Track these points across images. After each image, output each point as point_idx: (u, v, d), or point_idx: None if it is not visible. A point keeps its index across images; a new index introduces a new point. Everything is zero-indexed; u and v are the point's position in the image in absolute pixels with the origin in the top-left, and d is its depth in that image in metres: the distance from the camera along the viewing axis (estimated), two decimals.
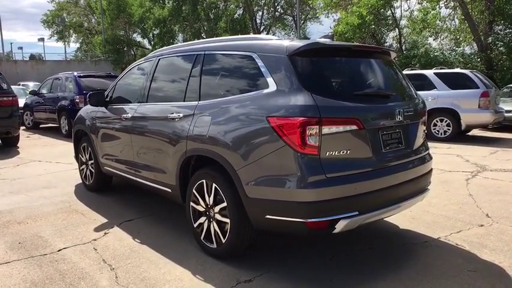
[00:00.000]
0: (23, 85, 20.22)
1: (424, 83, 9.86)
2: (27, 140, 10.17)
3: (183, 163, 3.36)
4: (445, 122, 9.47)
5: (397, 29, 23.91)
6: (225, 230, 3.03)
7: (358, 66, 3.09)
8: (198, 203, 3.27)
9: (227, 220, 3.00)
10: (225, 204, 3.00)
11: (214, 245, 3.15)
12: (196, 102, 3.32)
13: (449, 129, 9.43)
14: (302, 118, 2.54)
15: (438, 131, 9.57)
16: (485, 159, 7.06)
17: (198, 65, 3.45)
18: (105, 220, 4.13)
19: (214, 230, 3.13)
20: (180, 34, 37.91)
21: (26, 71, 30.67)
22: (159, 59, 4.03)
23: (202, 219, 3.25)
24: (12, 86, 16.03)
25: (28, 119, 12.45)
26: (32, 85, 20.20)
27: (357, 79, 3.02)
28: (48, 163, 7.11)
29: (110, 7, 36.80)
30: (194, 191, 3.29)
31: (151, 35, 38.34)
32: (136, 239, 3.61)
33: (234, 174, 2.86)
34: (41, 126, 12.59)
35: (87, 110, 5.14)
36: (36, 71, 30.72)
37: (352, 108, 2.70)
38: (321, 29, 54.15)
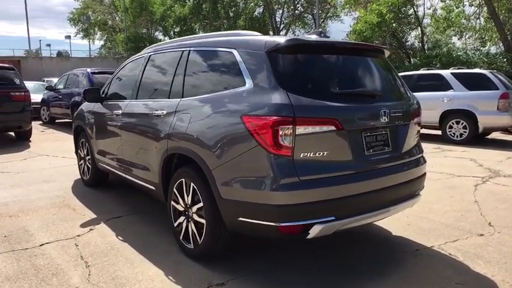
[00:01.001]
0: (47, 81, 20.74)
1: (440, 84, 9.53)
2: (41, 135, 10.39)
3: (165, 161, 3.30)
4: (462, 124, 9.12)
5: (419, 28, 23.28)
6: (202, 231, 2.95)
7: (343, 64, 2.93)
8: (178, 202, 3.21)
9: (203, 221, 2.92)
10: (201, 204, 2.92)
11: (192, 246, 3.07)
12: (179, 100, 3.25)
13: (465, 132, 9.07)
14: (275, 117, 2.43)
15: (454, 133, 9.22)
16: (500, 164, 6.72)
17: (183, 61, 3.38)
18: (94, 216, 4.12)
19: (192, 230, 3.06)
20: (201, 32, 38.14)
21: (51, 67, 31.49)
22: (150, 55, 3.99)
23: (181, 219, 3.18)
24: (35, 82, 16.57)
25: (45, 114, 12.74)
26: (55, 81, 20.69)
27: (340, 78, 2.86)
28: (54, 157, 7.22)
29: (133, 5, 37.32)
30: (175, 189, 3.22)
31: (172, 33, 38.69)
32: (119, 236, 3.57)
33: (209, 173, 2.78)
34: (56, 121, 12.86)
35: (86, 106, 5.16)
36: (61, 67, 31.45)
37: (330, 108, 2.56)
38: (342, 27, 53.45)
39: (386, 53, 3.32)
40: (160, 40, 44.02)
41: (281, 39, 2.68)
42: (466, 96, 9.08)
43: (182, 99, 3.23)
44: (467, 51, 19.23)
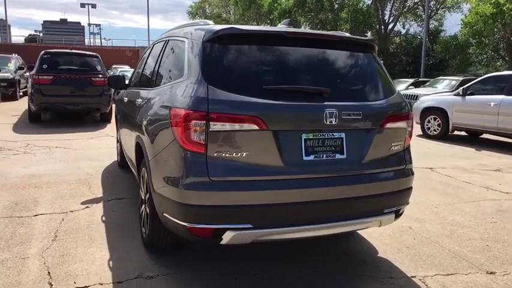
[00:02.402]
0: None
1: None
2: None
3: (136, 149, 3.37)
4: None
5: None
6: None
7: (290, 57, 2.57)
8: (142, 190, 3.25)
9: (149, 212, 2.91)
10: (148, 195, 2.91)
11: (145, 234, 3.09)
12: (151, 90, 3.28)
13: None
14: (187, 111, 2.28)
15: None
16: None
17: (162, 51, 3.40)
18: (100, 195, 4.41)
19: (144, 219, 3.08)
20: (308, 25, 37.76)
21: None
22: (154, 44, 4.09)
23: (143, 207, 3.22)
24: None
25: None
26: None
27: (279, 72, 2.50)
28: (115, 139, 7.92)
29: None
30: (141, 177, 3.27)
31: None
32: (103, 217, 3.77)
33: (148, 165, 2.75)
34: None
35: (121, 93, 5.53)
36: None
37: (252, 105, 2.29)
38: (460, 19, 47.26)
39: (351, 43, 2.77)
40: None
41: (218, 28, 2.49)
42: None
43: (153, 89, 3.25)
44: None
